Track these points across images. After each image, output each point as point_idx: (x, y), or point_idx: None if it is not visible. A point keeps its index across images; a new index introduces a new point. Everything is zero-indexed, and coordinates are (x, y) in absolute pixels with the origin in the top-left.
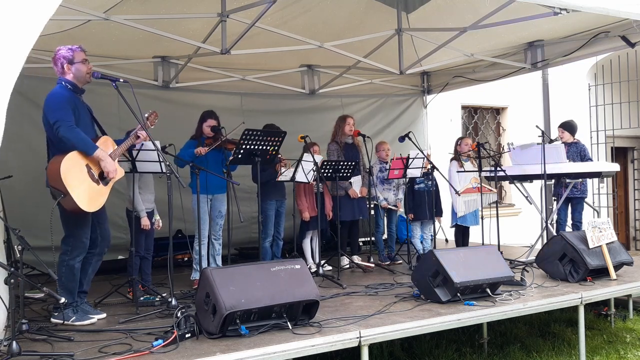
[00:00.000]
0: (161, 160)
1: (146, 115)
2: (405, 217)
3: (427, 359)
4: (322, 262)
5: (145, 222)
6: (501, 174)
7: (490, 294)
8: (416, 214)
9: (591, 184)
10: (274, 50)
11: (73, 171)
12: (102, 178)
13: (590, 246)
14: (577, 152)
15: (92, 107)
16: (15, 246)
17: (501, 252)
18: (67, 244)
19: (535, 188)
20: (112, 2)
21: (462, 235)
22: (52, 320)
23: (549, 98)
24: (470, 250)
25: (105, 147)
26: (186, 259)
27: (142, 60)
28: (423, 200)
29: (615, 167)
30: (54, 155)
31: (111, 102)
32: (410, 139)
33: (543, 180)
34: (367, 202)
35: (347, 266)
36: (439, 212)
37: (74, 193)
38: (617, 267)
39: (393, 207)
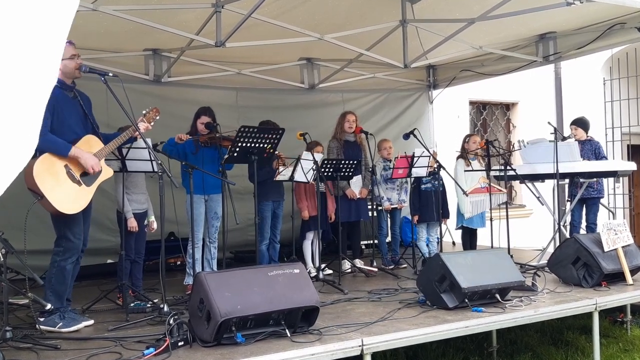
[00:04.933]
0: (152, 158)
1: (144, 112)
2: (410, 218)
3: None
4: (323, 266)
5: (131, 224)
6: (511, 173)
7: (500, 299)
8: (422, 216)
9: (606, 183)
10: (271, 43)
11: (49, 172)
12: (85, 178)
13: (605, 249)
14: (591, 150)
15: None
16: None
17: (511, 256)
18: (60, 245)
19: (547, 188)
20: None
21: (469, 238)
22: (38, 327)
23: (562, 93)
24: (478, 253)
25: (89, 146)
26: (179, 262)
27: (132, 53)
28: (430, 201)
29: (632, 165)
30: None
31: (99, 98)
32: (415, 136)
33: (555, 180)
34: (370, 203)
35: (349, 270)
36: (445, 214)
37: (50, 195)
38: (633, 271)
39: (395, 206)
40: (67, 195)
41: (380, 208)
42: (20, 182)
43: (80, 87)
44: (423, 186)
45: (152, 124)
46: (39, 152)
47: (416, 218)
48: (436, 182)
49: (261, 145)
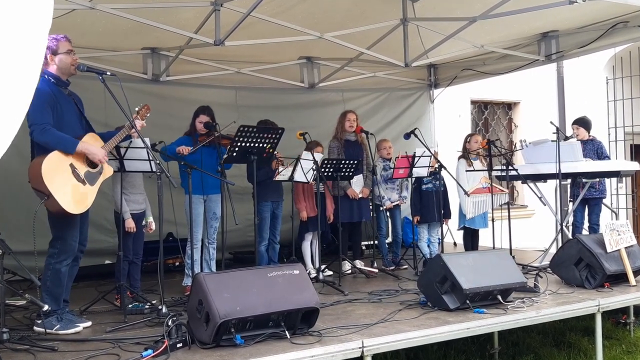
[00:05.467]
0: (151, 158)
1: (137, 109)
2: (411, 219)
3: None
4: (323, 267)
5: (129, 224)
6: (513, 173)
7: (502, 301)
8: (423, 216)
9: (609, 183)
10: (271, 42)
11: (56, 171)
12: (88, 177)
13: (608, 250)
14: (593, 149)
15: None
16: None
17: (513, 257)
18: (55, 246)
19: (549, 188)
20: None
21: (471, 239)
22: (35, 328)
23: (564, 92)
24: (480, 254)
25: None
26: (177, 263)
27: (130, 52)
28: (431, 202)
29: (635, 165)
30: (38, 155)
31: (97, 97)
32: (416, 135)
33: (558, 180)
34: (371, 203)
35: (349, 271)
36: (447, 214)
37: (58, 194)
38: (636, 272)
39: (396, 202)
40: (73, 195)
41: (382, 208)
42: (17, 182)
43: (78, 86)
44: (424, 186)
45: (144, 121)
46: (45, 148)
47: (417, 219)
48: (437, 182)
49: (261, 145)
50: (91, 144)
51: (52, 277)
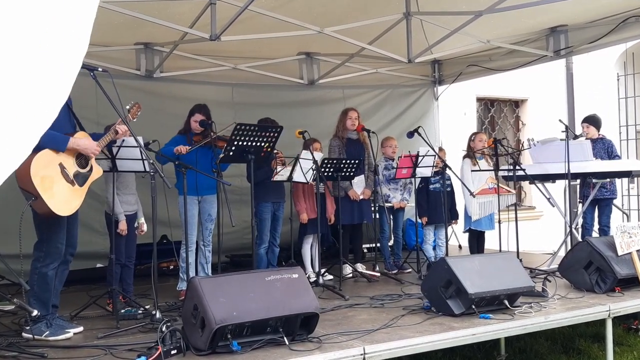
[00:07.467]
0: (144, 157)
1: (127, 107)
2: (415, 220)
3: None
4: (323, 270)
5: (122, 226)
6: (520, 173)
7: (509, 306)
8: (431, 217)
9: (620, 184)
10: (268, 37)
11: (45, 171)
12: (77, 178)
13: (619, 253)
14: (603, 148)
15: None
16: None
17: (520, 260)
18: (40, 249)
19: (558, 189)
20: None
21: (476, 241)
22: (24, 335)
23: (574, 89)
24: (486, 257)
25: None
26: (172, 267)
27: (122, 47)
28: (439, 202)
29: None
30: None
31: (88, 94)
32: (419, 134)
33: (567, 180)
34: (372, 205)
35: (350, 275)
36: (454, 216)
37: (46, 195)
38: None
39: (394, 203)
40: (62, 196)
41: (386, 205)
42: (6, 182)
43: None
44: (431, 186)
45: (134, 119)
46: (38, 146)
47: (425, 220)
48: (444, 183)
49: (258, 143)
50: (78, 139)
51: (39, 281)
